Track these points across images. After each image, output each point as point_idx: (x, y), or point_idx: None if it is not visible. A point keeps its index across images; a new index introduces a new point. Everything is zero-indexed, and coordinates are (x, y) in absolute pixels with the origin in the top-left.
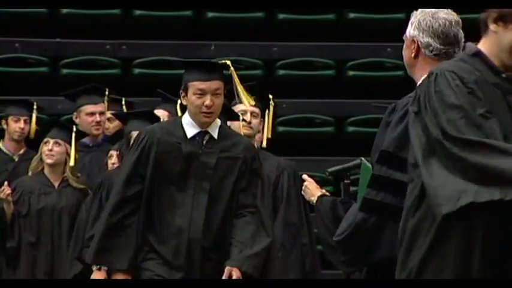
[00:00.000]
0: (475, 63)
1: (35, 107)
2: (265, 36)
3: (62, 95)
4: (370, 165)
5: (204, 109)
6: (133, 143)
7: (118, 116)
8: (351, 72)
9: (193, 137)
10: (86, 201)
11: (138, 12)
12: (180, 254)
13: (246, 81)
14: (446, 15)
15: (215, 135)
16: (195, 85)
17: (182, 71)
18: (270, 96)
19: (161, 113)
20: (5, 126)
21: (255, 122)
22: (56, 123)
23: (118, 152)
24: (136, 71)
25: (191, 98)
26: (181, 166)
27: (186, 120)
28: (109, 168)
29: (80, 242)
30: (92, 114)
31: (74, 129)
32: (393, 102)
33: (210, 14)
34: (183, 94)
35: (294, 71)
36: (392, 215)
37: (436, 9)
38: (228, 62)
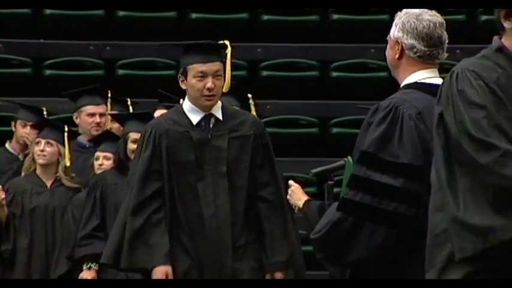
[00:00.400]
0: (498, 59)
1: (44, 113)
2: (249, 37)
3: (64, 95)
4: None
5: (206, 92)
6: (141, 140)
7: (116, 117)
8: (335, 73)
9: (199, 122)
10: (72, 201)
11: (121, 13)
12: (211, 245)
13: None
14: (430, 17)
15: (220, 116)
16: (195, 68)
17: (167, 72)
18: (249, 95)
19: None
20: (13, 129)
21: None
22: (47, 124)
23: (115, 154)
24: (120, 72)
25: (191, 81)
26: (194, 154)
27: (188, 106)
28: (96, 170)
29: (67, 242)
30: (93, 115)
31: (66, 129)
32: (376, 103)
33: (194, 15)
34: (181, 78)
35: (277, 72)
36: (370, 215)
37: (421, 11)
38: (227, 42)
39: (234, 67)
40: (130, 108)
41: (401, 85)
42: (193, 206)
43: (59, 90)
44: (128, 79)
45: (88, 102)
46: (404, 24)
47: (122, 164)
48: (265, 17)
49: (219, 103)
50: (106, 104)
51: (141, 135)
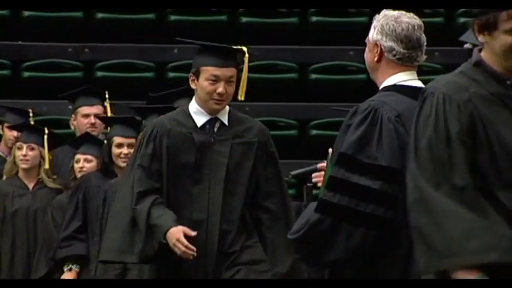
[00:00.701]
0: (475, 74)
1: (31, 114)
2: (227, 40)
3: (61, 97)
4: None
5: (216, 96)
6: (142, 138)
7: (102, 120)
8: (314, 76)
9: (204, 125)
10: (52, 203)
11: (100, 15)
12: (199, 250)
13: None
14: (409, 19)
15: (226, 121)
16: (209, 70)
17: (145, 74)
18: None
19: None
20: (1, 132)
21: None
22: (26, 127)
23: (97, 157)
24: (99, 74)
25: (203, 83)
26: (194, 157)
27: (194, 108)
28: (76, 173)
29: (47, 244)
30: (87, 116)
31: (46, 131)
32: (355, 106)
33: (173, 17)
34: (192, 78)
35: (257, 74)
36: (348, 217)
37: (399, 13)
38: (245, 49)
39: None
40: (108, 111)
41: (380, 87)
42: (185, 209)
43: (38, 92)
44: (106, 81)
45: (82, 103)
46: (383, 27)
47: (106, 168)
48: (244, 19)
49: (227, 107)
50: (104, 105)
51: (141, 133)
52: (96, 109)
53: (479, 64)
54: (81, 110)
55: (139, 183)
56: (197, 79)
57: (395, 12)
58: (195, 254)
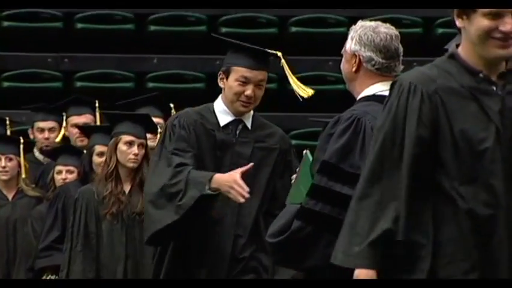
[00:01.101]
0: (448, 66)
1: (7, 122)
2: (208, 50)
3: (48, 108)
4: (310, 160)
5: (244, 98)
6: (167, 128)
7: (82, 129)
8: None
9: (227, 125)
10: (32, 214)
11: (80, 25)
12: (211, 251)
13: (189, 94)
14: (386, 29)
15: (249, 125)
16: (241, 71)
17: (125, 84)
18: (171, 105)
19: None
20: None
21: None
22: (2, 138)
23: (78, 167)
24: (79, 84)
25: (232, 83)
26: (214, 155)
27: (220, 107)
28: (57, 184)
29: (26, 254)
30: (76, 125)
31: (22, 141)
32: (333, 116)
33: (152, 27)
34: (221, 76)
35: None
36: (329, 226)
37: (376, 24)
38: (279, 54)
39: (190, 81)
40: (98, 119)
41: (358, 97)
42: None
43: (17, 103)
44: (86, 91)
45: (72, 113)
46: (361, 37)
47: (86, 177)
48: (224, 30)
49: (251, 111)
50: (94, 115)
51: (165, 125)
52: (85, 118)
53: (453, 56)
54: (70, 120)
55: (177, 159)
56: (226, 78)
57: (373, 23)
58: (248, 196)
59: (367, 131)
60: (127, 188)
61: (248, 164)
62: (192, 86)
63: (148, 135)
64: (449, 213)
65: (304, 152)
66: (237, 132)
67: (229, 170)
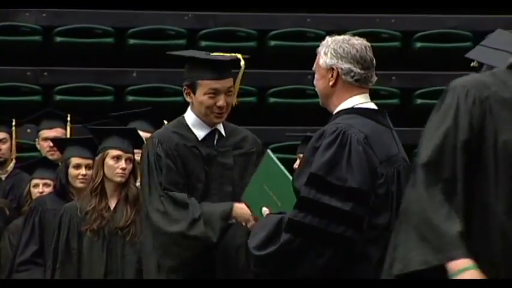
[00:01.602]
0: (506, 76)
1: None
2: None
3: (25, 121)
4: (275, 160)
5: (217, 110)
6: (149, 152)
7: (55, 142)
8: (272, 99)
9: (205, 138)
10: (9, 228)
11: (59, 38)
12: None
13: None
14: (359, 40)
15: (223, 132)
16: (208, 84)
17: (104, 98)
18: (165, 122)
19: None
20: None
21: None
22: None
23: (54, 180)
24: (58, 97)
25: (201, 97)
26: (204, 171)
27: (192, 120)
28: (34, 197)
29: (3, 268)
30: (47, 139)
31: None
32: (312, 129)
33: (132, 41)
34: (187, 91)
35: None
36: (318, 238)
37: (347, 37)
38: (239, 56)
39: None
40: (68, 132)
41: (336, 111)
42: None
43: None
44: (65, 105)
45: (43, 127)
46: (336, 51)
47: (63, 190)
48: (203, 43)
49: None
50: (65, 129)
51: (144, 147)
52: (56, 132)
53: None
54: (41, 133)
55: (180, 196)
56: (193, 93)
57: (342, 36)
58: None
59: (352, 143)
60: (112, 203)
61: (233, 173)
62: (172, 99)
63: (136, 150)
64: (479, 227)
65: (267, 151)
66: (215, 142)
67: (219, 183)
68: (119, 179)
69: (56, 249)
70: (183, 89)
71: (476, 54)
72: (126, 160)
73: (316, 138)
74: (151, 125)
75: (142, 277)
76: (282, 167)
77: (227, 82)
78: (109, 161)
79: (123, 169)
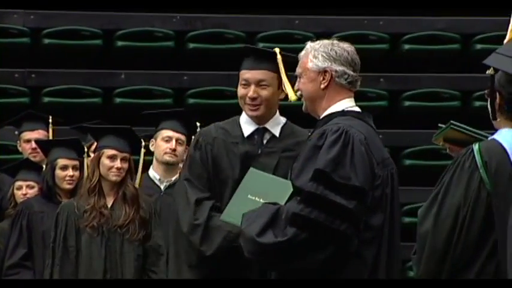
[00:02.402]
0: None
1: None
2: (175, 65)
3: (6, 123)
4: (261, 173)
5: (248, 101)
6: (190, 147)
7: (39, 144)
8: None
9: (252, 135)
10: None
11: (47, 40)
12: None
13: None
14: (345, 44)
15: (276, 133)
16: (242, 74)
17: (92, 99)
18: (198, 123)
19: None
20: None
21: (180, 149)
22: None
23: (39, 182)
24: (46, 99)
25: (238, 88)
26: (238, 168)
27: (244, 117)
28: (18, 200)
29: None
30: (28, 141)
31: None
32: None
33: (120, 43)
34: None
35: (204, 100)
36: (322, 233)
37: (335, 41)
38: (277, 50)
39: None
40: (50, 134)
41: (325, 114)
42: None
43: None
44: (53, 107)
45: (24, 129)
46: (328, 54)
47: (49, 191)
48: (192, 45)
49: (281, 119)
50: (47, 131)
51: (191, 142)
52: (38, 134)
53: None
54: (22, 135)
55: (193, 192)
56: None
57: (328, 40)
58: None
59: (355, 143)
60: (110, 201)
61: (273, 174)
62: (160, 101)
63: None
64: None
65: (250, 168)
66: (264, 142)
67: None
68: (114, 178)
69: (54, 247)
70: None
71: (493, 61)
72: (121, 160)
73: (317, 138)
74: (184, 127)
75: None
76: (271, 175)
77: (258, 74)
78: (104, 160)
79: (119, 168)
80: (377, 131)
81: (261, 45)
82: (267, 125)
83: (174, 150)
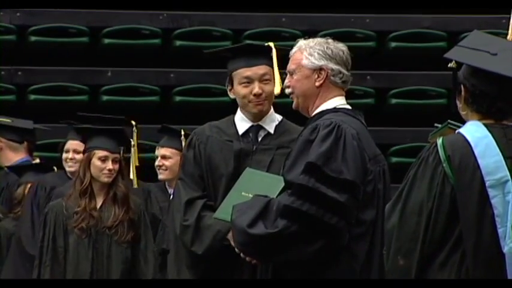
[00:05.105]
0: None
1: None
2: (162, 63)
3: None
4: (257, 172)
5: (253, 98)
6: (185, 148)
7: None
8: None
9: (246, 133)
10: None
11: (33, 38)
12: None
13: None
14: (341, 44)
15: (271, 130)
16: (240, 73)
17: (79, 97)
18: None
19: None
20: None
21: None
22: None
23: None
24: (32, 97)
25: (237, 88)
26: (233, 166)
27: (238, 115)
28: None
29: None
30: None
31: None
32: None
33: (106, 40)
34: (229, 87)
35: (190, 98)
36: (313, 226)
37: (329, 39)
38: (271, 44)
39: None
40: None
41: (317, 111)
42: None
43: None
44: (40, 104)
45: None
46: (325, 52)
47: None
48: (178, 43)
49: (275, 116)
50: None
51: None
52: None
53: None
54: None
55: (185, 192)
56: (232, 87)
57: (322, 39)
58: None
59: (347, 137)
60: (99, 202)
61: (267, 171)
62: (147, 99)
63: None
64: None
65: (246, 168)
66: (259, 139)
67: None
68: (105, 180)
69: (42, 247)
70: (226, 86)
71: (454, 55)
72: (112, 161)
73: (309, 132)
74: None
75: (129, 277)
76: (266, 173)
77: (259, 69)
78: (95, 162)
79: (110, 170)
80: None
81: (248, 42)
82: (262, 123)
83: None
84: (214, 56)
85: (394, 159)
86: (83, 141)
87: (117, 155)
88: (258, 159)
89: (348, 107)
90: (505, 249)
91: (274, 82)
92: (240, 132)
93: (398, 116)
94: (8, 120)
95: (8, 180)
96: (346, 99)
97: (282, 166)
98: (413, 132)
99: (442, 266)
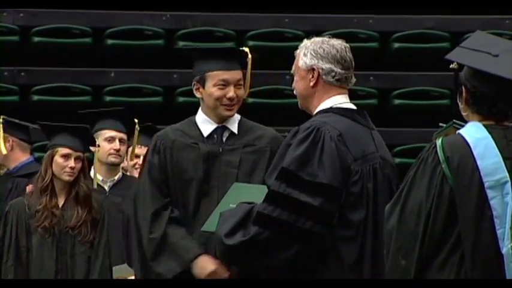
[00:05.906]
0: None
1: None
2: (165, 64)
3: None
4: (245, 184)
5: (226, 101)
6: (148, 153)
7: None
8: (251, 100)
9: (211, 135)
10: None
11: (36, 38)
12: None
13: (147, 108)
14: (338, 41)
15: (235, 130)
16: (217, 75)
17: (82, 98)
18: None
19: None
20: None
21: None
22: None
23: None
24: (35, 97)
25: (210, 89)
26: (202, 169)
27: (201, 118)
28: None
29: None
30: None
31: None
32: (289, 129)
33: (109, 41)
34: (197, 86)
35: (194, 98)
36: (286, 232)
37: (326, 38)
38: (246, 49)
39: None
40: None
41: (316, 111)
42: (195, 224)
43: None
44: (43, 105)
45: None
46: (316, 51)
47: None
48: (181, 43)
49: (237, 116)
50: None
51: (148, 148)
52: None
53: None
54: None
55: (151, 203)
56: (203, 87)
57: (321, 38)
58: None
59: (325, 140)
60: (61, 201)
61: (240, 171)
62: (150, 99)
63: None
64: None
65: (234, 183)
66: (224, 140)
67: (221, 181)
68: (67, 178)
69: (3, 246)
70: (193, 85)
71: (456, 56)
72: (75, 159)
73: (290, 136)
74: (123, 125)
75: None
76: (254, 185)
77: (236, 74)
78: (58, 159)
79: (72, 168)
80: (372, 127)
81: (251, 43)
82: (226, 123)
83: (118, 150)
84: (188, 53)
85: (397, 160)
86: (47, 138)
87: (80, 154)
88: (227, 160)
89: (347, 105)
90: (504, 250)
91: (244, 87)
92: (205, 134)
93: (401, 116)
94: (28, 125)
95: (17, 182)
96: (349, 100)
97: (252, 164)
98: (416, 132)
99: (441, 267)
